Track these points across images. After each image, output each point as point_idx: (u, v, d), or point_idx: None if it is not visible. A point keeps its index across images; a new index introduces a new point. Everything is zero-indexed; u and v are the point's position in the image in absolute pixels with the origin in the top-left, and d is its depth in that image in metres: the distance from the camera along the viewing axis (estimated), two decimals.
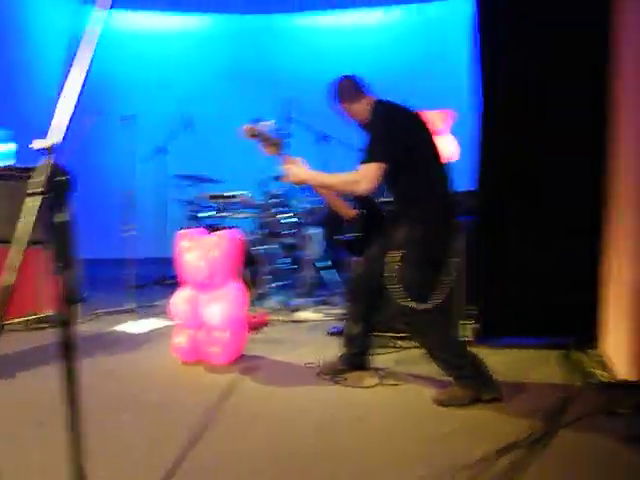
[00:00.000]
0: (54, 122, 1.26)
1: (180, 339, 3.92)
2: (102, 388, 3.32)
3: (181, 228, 6.44)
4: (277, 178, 5.86)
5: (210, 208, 6.54)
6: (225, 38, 9.55)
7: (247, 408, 3.12)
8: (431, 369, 3.31)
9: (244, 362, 3.91)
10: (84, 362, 3.57)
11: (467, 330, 4.18)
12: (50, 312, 4.87)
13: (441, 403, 3.09)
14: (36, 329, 4.74)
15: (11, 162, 5.94)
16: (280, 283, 6.06)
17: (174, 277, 6.74)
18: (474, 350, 3.26)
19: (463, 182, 3.98)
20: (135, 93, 8.69)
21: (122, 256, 5.74)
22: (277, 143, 3.21)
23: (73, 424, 1.36)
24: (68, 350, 1.28)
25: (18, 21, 7.99)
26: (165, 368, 3.82)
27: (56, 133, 1.25)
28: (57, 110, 1.27)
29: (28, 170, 5.06)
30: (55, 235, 1.24)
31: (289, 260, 6.35)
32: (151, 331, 4.77)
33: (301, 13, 9.37)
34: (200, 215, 6.60)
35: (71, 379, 1.32)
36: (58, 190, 1.23)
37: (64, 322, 1.25)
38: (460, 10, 7.22)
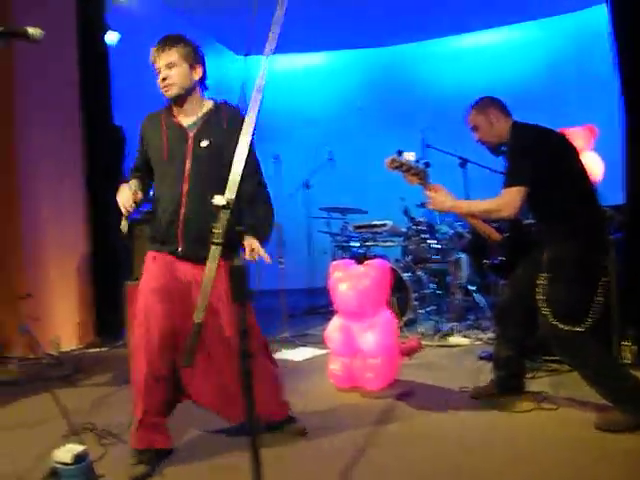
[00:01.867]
0: (231, 178, 1.45)
1: (335, 366, 4.09)
2: None
3: (333, 259, 6.70)
4: (421, 205, 5.96)
5: (356, 238, 6.76)
6: (359, 72, 9.83)
7: (404, 431, 3.21)
8: (590, 392, 3.22)
9: (398, 387, 4.01)
10: None
11: (626, 352, 4.01)
12: None
13: (600, 428, 2.99)
14: None
15: None
16: (429, 308, 6.12)
17: (323, 307, 7.06)
18: (635, 373, 3.14)
19: (608, 197, 3.87)
20: (279, 131, 9.14)
21: (274, 287, 6.06)
22: (420, 172, 3.24)
23: (253, 450, 1.52)
24: (247, 378, 1.45)
25: None
26: (323, 393, 4.00)
27: (232, 189, 1.45)
28: (234, 166, 1.46)
29: None
30: (233, 277, 1.43)
31: (436, 285, 6.40)
32: (306, 359, 4.98)
33: (428, 41, 9.43)
34: (347, 245, 6.84)
35: (251, 407, 1.48)
36: (234, 239, 1.42)
37: (244, 353, 1.43)
38: (595, 21, 7.01)
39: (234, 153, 2.06)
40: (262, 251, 2.47)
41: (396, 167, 3.19)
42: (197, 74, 2.88)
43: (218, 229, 1.40)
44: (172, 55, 2.81)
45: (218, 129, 2.86)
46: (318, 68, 10.08)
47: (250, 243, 2.44)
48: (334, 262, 4.33)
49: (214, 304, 2.61)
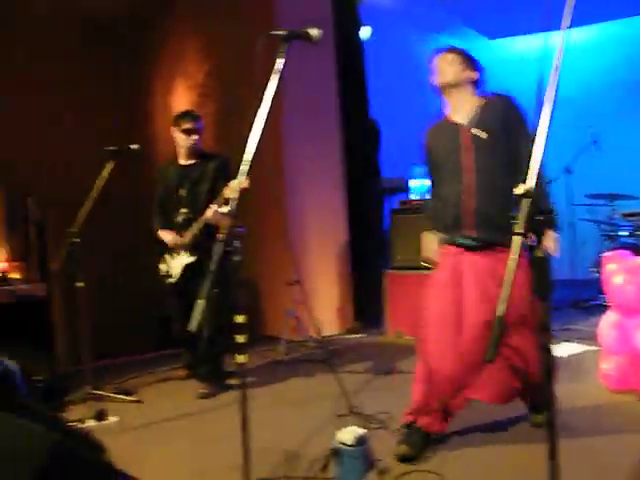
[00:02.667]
0: (531, 166, 1.40)
1: (608, 365, 3.80)
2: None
3: (600, 250, 6.24)
4: None
5: (626, 227, 6.23)
6: (624, 44, 9.00)
7: None
8: None
9: None
10: None
11: None
12: None
13: None
14: None
15: (428, 196, 6.54)
16: None
17: (587, 300, 6.63)
18: None
19: None
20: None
21: None
22: None
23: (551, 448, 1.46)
24: (549, 375, 1.39)
25: (423, 59, 8.79)
26: (593, 394, 3.74)
27: (532, 176, 1.39)
28: (533, 154, 1.41)
29: None
30: (535, 268, 1.37)
31: None
32: (572, 355, 4.71)
33: None
34: (614, 235, 6.33)
35: (552, 402, 1.42)
36: (538, 229, 1.37)
37: (546, 348, 1.37)
38: None
39: (512, 142, 1.94)
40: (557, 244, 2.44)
41: None
42: (473, 76, 3.02)
43: (519, 219, 1.35)
44: (452, 58, 3.03)
45: (492, 120, 2.91)
46: (578, 44, 9.40)
47: (550, 234, 2.41)
48: (607, 253, 4.01)
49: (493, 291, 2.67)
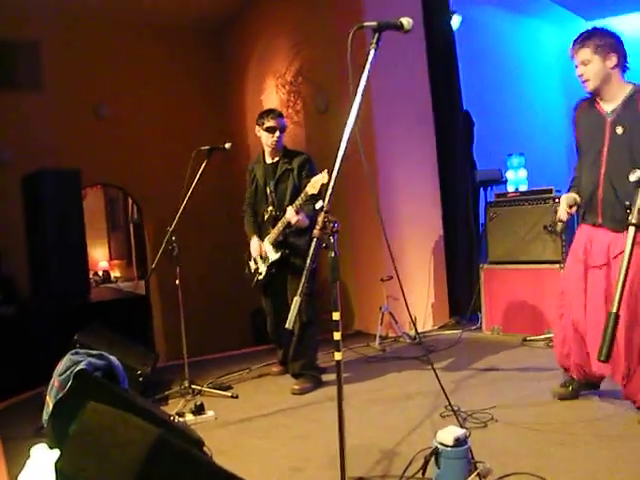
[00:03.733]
0: None
1: None
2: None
3: None
4: None
5: None
6: None
7: None
8: None
9: None
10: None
11: None
12: None
13: None
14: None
15: (524, 187, 6.36)
16: None
17: None
18: None
19: None
20: None
21: None
22: None
23: None
24: None
25: (518, 49, 8.56)
26: None
27: None
28: None
29: (539, 193, 5.33)
30: None
31: None
32: None
33: None
34: None
35: None
36: None
37: None
38: None
39: None
40: None
41: None
42: (612, 62, 3.10)
43: (633, 208, 1.26)
44: (585, 53, 3.11)
45: (634, 113, 3.05)
46: None
47: None
48: None
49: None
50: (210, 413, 3.74)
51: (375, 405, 3.78)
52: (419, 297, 5.96)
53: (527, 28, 8.97)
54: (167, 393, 4.26)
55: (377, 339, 5.43)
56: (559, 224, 3.48)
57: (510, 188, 6.32)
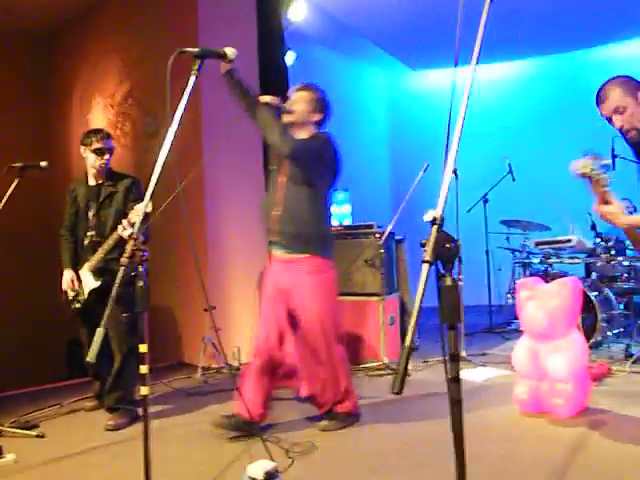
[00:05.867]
0: (441, 194, 1.38)
1: (521, 389, 3.86)
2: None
3: (513, 277, 6.42)
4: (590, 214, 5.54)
5: (537, 254, 6.46)
6: (532, 80, 9.41)
7: (596, 466, 2.93)
8: None
9: (589, 415, 3.70)
10: (424, 410, 3.76)
11: None
12: (388, 360, 5.17)
13: None
14: (375, 376, 5.05)
15: (348, 221, 6.59)
16: (617, 331, 5.63)
17: (502, 325, 6.79)
18: None
19: None
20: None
21: None
22: (603, 179, 2.75)
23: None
24: (455, 404, 1.36)
25: (348, 88, 8.94)
26: (505, 419, 3.79)
27: (440, 205, 1.37)
28: (443, 183, 1.39)
29: (361, 228, 5.56)
30: (443, 297, 1.35)
31: (624, 306, 5.90)
32: (487, 380, 4.77)
33: (614, 44, 8.74)
34: (527, 262, 6.55)
35: (456, 429, 1.39)
36: (445, 257, 1.34)
37: (454, 378, 1.34)
38: None
39: None
40: None
41: (584, 173, 2.66)
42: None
43: (427, 246, 1.32)
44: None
45: None
46: (494, 80, 9.74)
47: None
48: (520, 280, 4.11)
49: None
50: (9, 457, 3.39)
51: (193, 440, 3.67)
52: (244, 327, 5.92)
53: (355, 69, 9.44)
54: None
55: (199, 370, 5.32)
56: None
57: (334, 222, 6.53)
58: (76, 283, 4.15)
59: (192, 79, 2.17)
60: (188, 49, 2.16)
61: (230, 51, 2.27)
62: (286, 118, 3.43)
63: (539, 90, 9.28)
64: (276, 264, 3.60)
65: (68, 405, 4.56)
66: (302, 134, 3.50)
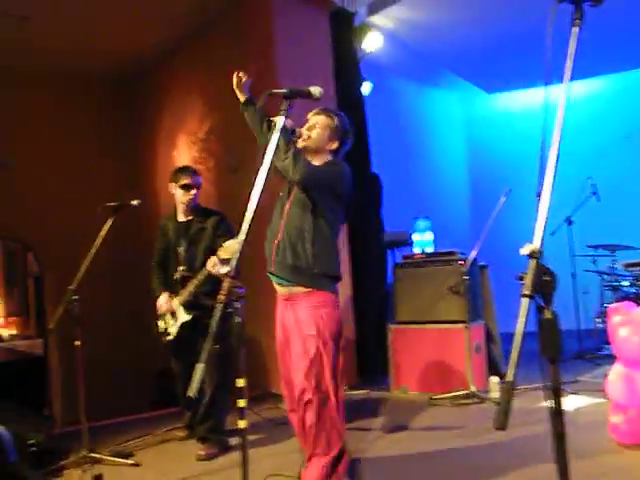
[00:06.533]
0: (538, 225, 1.37)
1: (617, 419, 3.71)
2: (537, 470, 3.30)
3: (602, 301, 6.19)
4: None
5: (627, 277, 6.23)
6: (620, 96, 9.13)
7: None
8: None
9: None
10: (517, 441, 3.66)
11: None
12: (475, 389, 5.07)
13: None
14: (461, 404, 4.96)
15: (430, 249, 6.57)
16: None
17: (592, 351, 6.54)
18: None
19: None
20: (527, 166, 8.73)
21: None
22: None
23: None
24: (559, 438, 1.33)
25: (423, 115, 8.94)
26: (602, 449, 3.64)
27: (537, 237, 1.36)
28: (539, 214, 1.38)
29: (444, 255, 5.52)
30: (543, 330, 1.33)
31: None
32: (579, 409, 4.60)
33: None
34: (617, 285, 6.32)
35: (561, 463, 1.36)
36: (544, 290, 1.33)
37: (557, 412, 1.32)
38: None
39: None
40: None
41: None
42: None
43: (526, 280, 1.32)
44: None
45: None
46: (575, 98, 9.53)
47: None
48: (613, 304, 3.97)
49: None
50: None
51: (284, 469, 3.70)
52: None
53: (434, 97, 9.44)
54: (63, 463, 4.00)
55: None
56: None
57: (417, 250, 6.52)
58: (170, 303, 4.27)
59: (282, 119, 2.25)
60: (276, 90, 2.24)
61: (316, 90, 2.34)
62: (301, 143, 3.10)
63: (623, 106, 9.01)
64: (280, 302, 3.27)
65: (161, 434, 4.68)
66: (315, 161, 3.14)
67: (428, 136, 8.99)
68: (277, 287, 3.23)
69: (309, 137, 3.12)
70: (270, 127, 3.07)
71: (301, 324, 3.06)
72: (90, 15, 6.36)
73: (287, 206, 3.15)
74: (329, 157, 3.19)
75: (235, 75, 3.14)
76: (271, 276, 3.19)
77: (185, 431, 4.57)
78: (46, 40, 6.83)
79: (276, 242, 3.11)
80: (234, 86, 3.18)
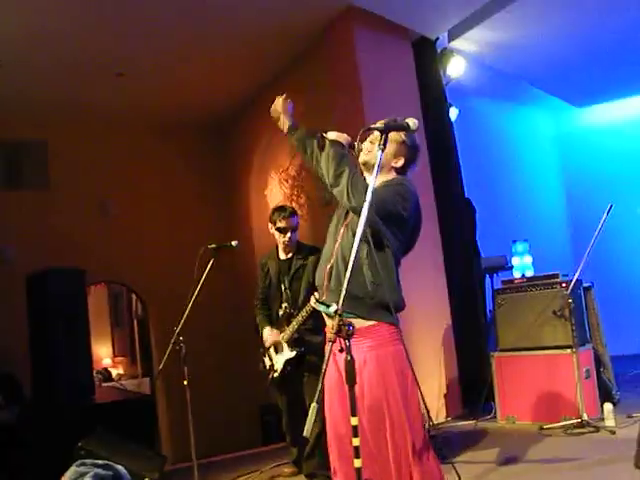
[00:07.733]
0: None
1: None
2: None
3: None
4: None
5: None
6: None
7: None
8: None
9: None
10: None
11: None
12: (587, 417, 4.81)
13: None
14: (574, 434, 4.71)
15: (530, 273, 6.37)
16: None
17: None
18: None
19: None
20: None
21: None
22: None
23: None
24: None
25: (512, 135, 8.75)
26: None
27: None
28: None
29: (545, 278, 5.33)
30: None
31: None
32: None
33: None
34: None
35: None
36: None
37: None
38: None
39: None
40: None
41: None
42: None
43: None
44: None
45: None
46: None
47: None
48: None
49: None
50: None
51: None
52: (431, 388, 5.83)
53: (522, 116, 9.23)
54: None
55: None
56: None
57: (516, 274, 6.33)
58: (275, 335, 4.31)
59: (379, 154, 2.24)
60: (373, 126, 2.25)
61: (412, 122, 2.32)
62: (362, 157, 2.77)
63: None
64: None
65: (268, 471, 4.71)
66: (378, 178, 2.46)
67: (518, 156, 8.78)
68: (328, 320, 2.83)
69: (370, 151, 2.75)
70: (320, 144, 2.83)
71: (365, 367, 2.64)
72: (184, 67, 6.69)
73: (342, 229, 2.87)
74: (393, 174, 2.82)
75: (280, 98, 3.06)
76: (320, 306, 2.70)
77: (293, 467, 4.57)
78: (141, 94, 7.21)
79: (328, 268, 2.80)
80: (279, 108, 3.13)
